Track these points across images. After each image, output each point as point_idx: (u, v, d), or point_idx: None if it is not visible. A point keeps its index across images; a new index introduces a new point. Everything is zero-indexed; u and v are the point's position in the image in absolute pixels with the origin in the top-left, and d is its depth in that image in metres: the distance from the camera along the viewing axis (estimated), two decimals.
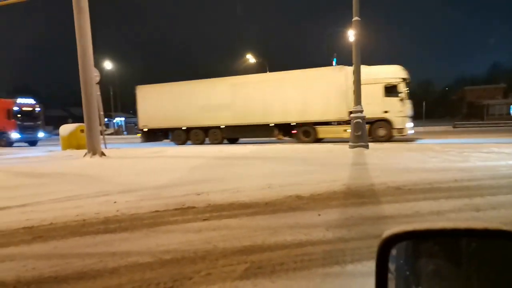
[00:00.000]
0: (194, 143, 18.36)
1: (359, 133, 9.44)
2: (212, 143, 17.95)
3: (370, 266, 2.15)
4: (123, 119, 56.25)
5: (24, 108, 24.49)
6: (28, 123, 24.40)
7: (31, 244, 2.79)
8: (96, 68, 10.71)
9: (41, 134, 25.55)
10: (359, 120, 9.44)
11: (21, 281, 2.13)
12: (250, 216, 3.39)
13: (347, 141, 10.30)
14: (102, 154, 9.73)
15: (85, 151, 9.86)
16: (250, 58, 35.91)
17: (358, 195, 4.14)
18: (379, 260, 0.64)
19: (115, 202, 4.09)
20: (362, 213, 3.36)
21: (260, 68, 33.67)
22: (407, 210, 3.42)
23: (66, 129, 14.79)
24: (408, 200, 3.84)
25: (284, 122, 16.56)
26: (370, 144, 9.74)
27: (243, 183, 4.93)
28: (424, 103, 45.31)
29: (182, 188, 4.79)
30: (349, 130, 10.66)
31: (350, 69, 12.30)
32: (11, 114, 23.63)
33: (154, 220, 3.36)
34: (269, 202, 3.90)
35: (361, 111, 9.49)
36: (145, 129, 19.94)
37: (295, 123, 16.44)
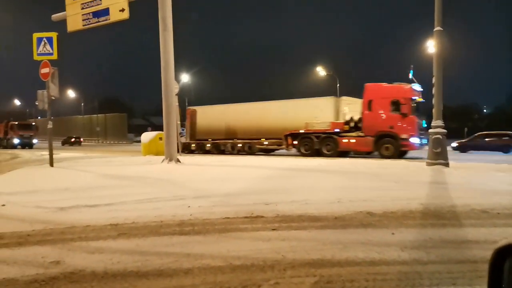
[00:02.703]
0: None
1: (439, 149, 8.78)
2: None
3: None
4: None
5: (418, 99, 14.29)
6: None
7: (116, 240, 3.07)
8: (175, 81, 11.50)
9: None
10: (439, 136, 8.81)
11: (108, 272, 2.35)
12: (319, 229, 3.35)
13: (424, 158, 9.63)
14: (178, 160, 10.33)
15: (163, 157, 10.56)
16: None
17: (438, 216, 3.85)
18: (492, 273, 0.59)
19: (189, 206, 4.31)
20: (442, 236, 3.12)
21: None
22: (495, 236, 3.09)
23: (146, 136, 16.05)
24: (496, 225, 3.48)
25: None
26: (450, 163, 9.01)
27: (312, 196, 4.87)
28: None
29: (251, 197, 4.89)
30: None
31: None
32: (408, 107, 13.72)
33: (225, 226, 3.48)
34: (338, 216, 3.80)
35: (442, 126, 8.84)
36: None
37: None
